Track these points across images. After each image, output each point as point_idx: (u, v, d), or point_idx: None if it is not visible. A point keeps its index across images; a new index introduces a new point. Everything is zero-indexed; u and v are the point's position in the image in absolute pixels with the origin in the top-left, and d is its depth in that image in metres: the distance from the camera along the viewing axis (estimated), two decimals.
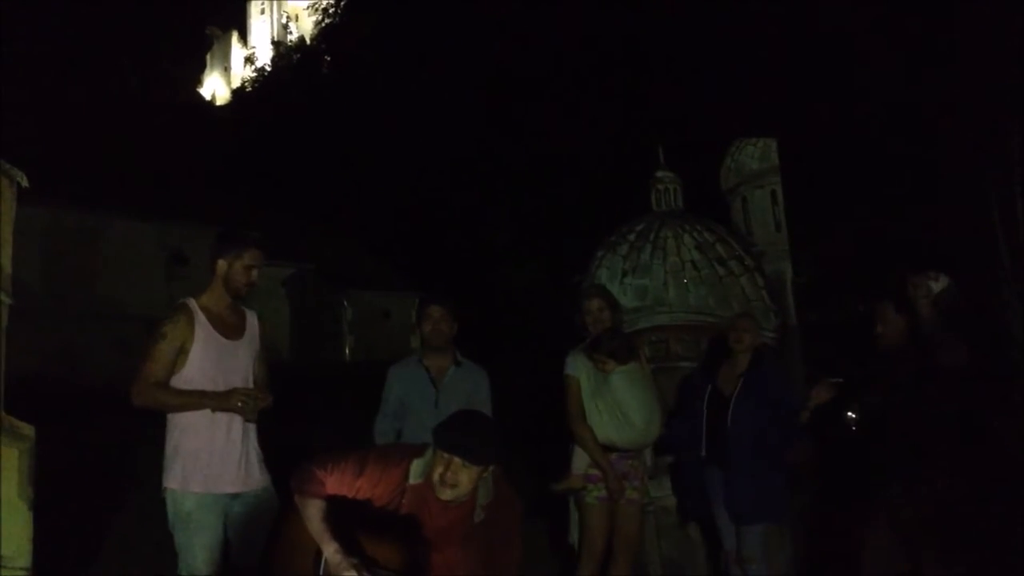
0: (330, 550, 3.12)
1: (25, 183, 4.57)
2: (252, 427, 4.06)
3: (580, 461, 5.01)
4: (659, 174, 8.19)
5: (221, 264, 4.09)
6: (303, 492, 3.24)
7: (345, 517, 3.25)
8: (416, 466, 3.28)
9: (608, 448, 4.95)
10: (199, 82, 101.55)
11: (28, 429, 4.32)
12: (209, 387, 3.94)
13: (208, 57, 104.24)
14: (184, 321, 3.99)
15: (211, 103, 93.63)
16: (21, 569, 4.13)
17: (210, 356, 4.00)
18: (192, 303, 4.08)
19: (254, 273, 4.10)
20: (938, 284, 4.48)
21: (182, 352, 3.95)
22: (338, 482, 3.25)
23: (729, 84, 26.36)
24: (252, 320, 4.25)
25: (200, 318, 4.02)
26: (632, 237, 7.68)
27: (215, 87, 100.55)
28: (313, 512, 3.19)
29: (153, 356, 3.93)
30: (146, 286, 25.13)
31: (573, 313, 5.38)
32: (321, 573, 3.17)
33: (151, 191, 26.23)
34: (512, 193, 36.66)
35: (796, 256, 8.44)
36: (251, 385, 4.08)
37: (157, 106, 59.17)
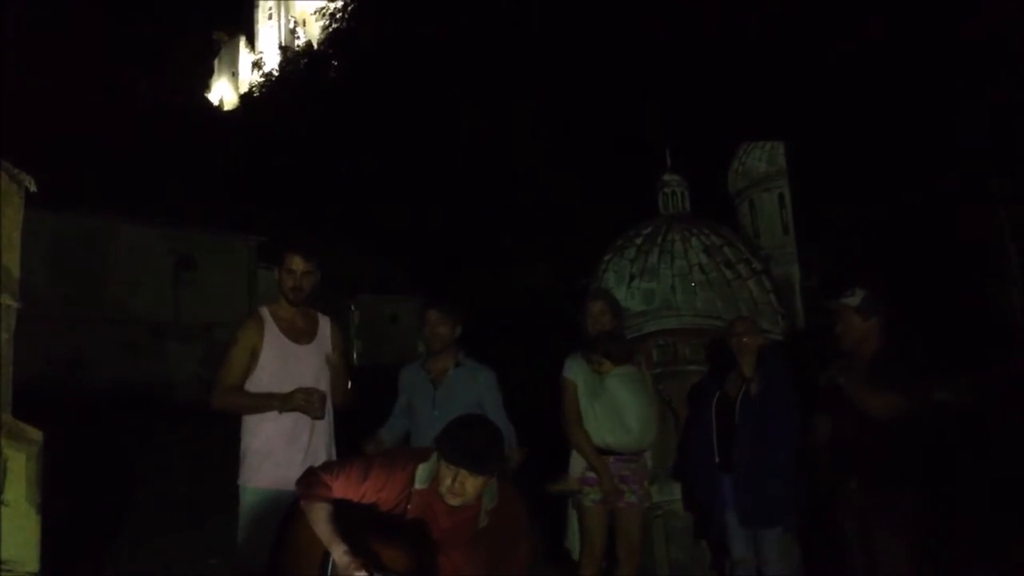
0: (338, 551, 3.11)
1: (33, 188, 4.58)
2: (322, 426, 4.23)
3: (577, 464, 5.01)
4: (666, 177, 8.18)
5: (276, 272, 4.33)
6: (309, 496, 3.24)
7: (351, 519, 3.25)
8: (421, 471, 3.28)
9: (604, 451, 4.95)
10: (207, 87, 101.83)
11: (36, 433, 4.32)
12: (278, 389, 4.10)
13: (216, 62, 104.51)
14: (254, 327, 4.22)
15: (219, 108, 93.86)
16: (29, 573, 4.13)
17: (278, 359, 4.18)
18: (264, 310, 4.31)
19: (298, 277, 4.23)
20: (855, 298, 4.52)
21: (253, 356, 4.16)
22: (343, 486, 3.25)
23: (736, 87, 26.36)
24: (324, 325, 4.41)
25: (269, 323, 4.23)
26: (639, 240, 7.68)
27: (223, 92, 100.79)
28: (320, 515, 3.19)
29: (226, 361, 4.18)
30: (153, 290, 25.23)
31: (576, 315, 5.39)
32: (328, 575, 3.16)
33: (159, 195, 26.32)
34: (519, 196, 36.68)
35: (804, 259, 8.43)
36: (323, 387, 4.21)
37: (165, 111, 59.31)
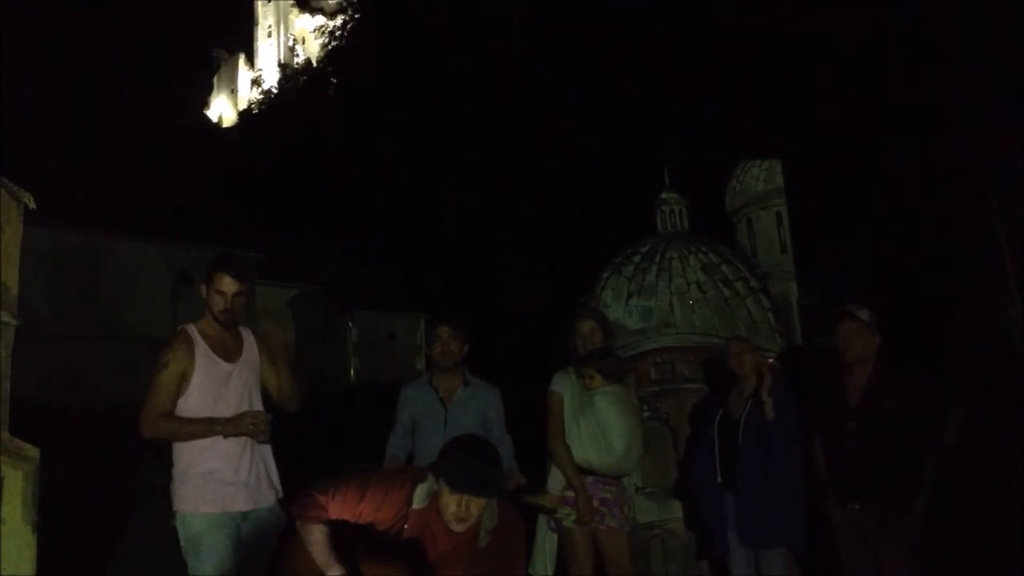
0: (335, 575, 3.10)
1: (32, 205, 4.57)
2: (261, 445, 4.08)
3: (556, 482, 4.91)
4: (665, 196, 8.20)
5: (202, 289, 4.12)
6: (305, 518, 3.22)
7: (348, 539, 3.23)
8: (420, 491, 3.26)
9: (585, 471, 4.84)
10: (206, 104, 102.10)
11: (32, 451, 4.30)
12: (210, 411, 3.95)
13: (215, 79, 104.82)
14: (184, 348, 4.01)
15: (218, 125, 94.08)
16: None
17: (210, 380, 4.01)
18: (191, 328, 4.10)
19: (229, 299, 4.07)
20: (865, 313, 4.59)
21: (183, 379, 3.97)
22: (340, 507, 3.23)
23: (734, 106, 26.44)
24: (248, 339, 4.22)
25: (199, 343, 4.04)
26: (638, 259, 7.68)
27: (222, 109, 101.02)
28: (316, 537, 3.17)
29: (156, 386, 3.94)
30: (151, 307, 25.17)
31: (566, 335, 5.35)
32: None
33: (157, 212, 26.34)
34: (518, 214, 36.72)
35: (801, 277, 8.43)
36: (253, 405, 4.09)
37: (164, 128, 59.44)
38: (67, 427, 12.19)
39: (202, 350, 4.02)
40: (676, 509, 6.51)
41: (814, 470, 4.79)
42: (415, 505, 3.25)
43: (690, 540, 6.43)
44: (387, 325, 35.36)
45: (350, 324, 33.91)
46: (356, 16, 77.63)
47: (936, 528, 4.41)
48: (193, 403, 3.97)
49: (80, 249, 23.58)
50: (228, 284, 4.05)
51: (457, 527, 3.18)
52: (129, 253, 25.08)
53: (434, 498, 3.22)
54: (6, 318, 4.39)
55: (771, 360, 5.03)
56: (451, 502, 3.15)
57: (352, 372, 33.11)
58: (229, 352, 4.10)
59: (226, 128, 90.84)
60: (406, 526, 3.26)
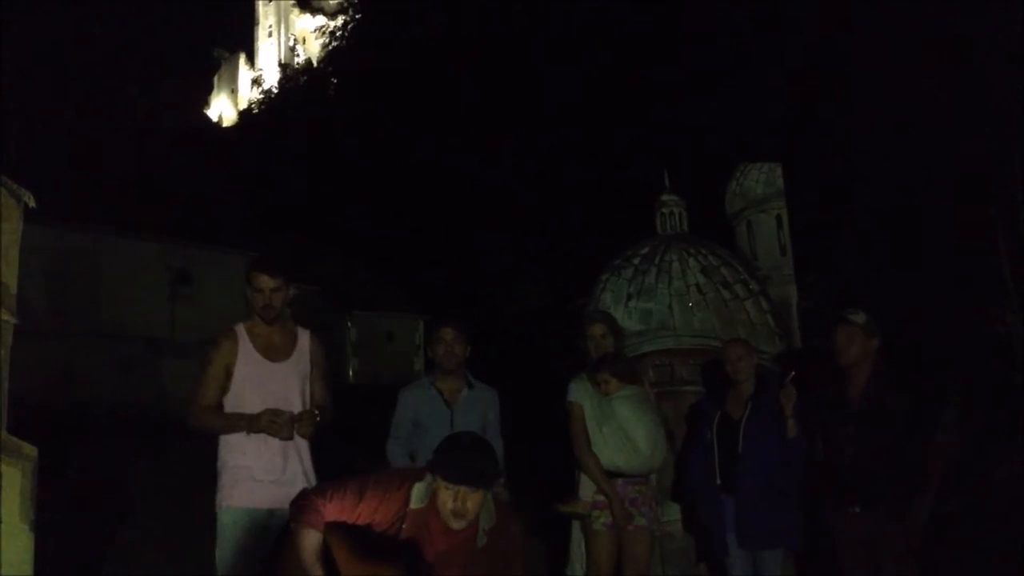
0: None
1: (32, 203, 4.56)
2: (300, 445, 4.22)
3: (587, 488, 4.98)
4: (664, 198, 8.18)
5: (246, 290, 4.32)
6: (299, 522, 3.22)
7: (346, 540, 3.23)
8: (417, 491, 3.26)
9: (614, 474, 4.92)
10: (206, 104, 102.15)
11: (31, 449, 4.29)
12: (252, 408, 4.09)
13: (215, 79, 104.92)
14: (228, 345, 4.20)
15: (218, 124, 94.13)
16: None
17: (252, 377, 4.17)
18: (240, 327, 4.29)
19: (267, 295, 4.26)
20: (860, 317, 4.59)
21: (228, 375, 4.16)
22: (337, 509, 3.23)
23: (734, 108, 26.45)
24: (303, 340, 4.41)
25: (244, 341, 4.22)
26: (637, 261, 7.66)
27: (222, 109, 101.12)
28: (306, 543, 3.17)
29: (201, 380, 4.17)
30: (149, 306, 25.19)
31: (577, 338, 5.38)
32: None
33: (156, 211, 26.31)
34: (517, 216, 36.73)
35: (801, 280, 8.43)
36: (300, 405, 4.22)
37: (164, 127, 59.44)
38: (65, 425, 12.18)
39: (245, 347, 4.20)
40: (674, 511, 6.50)
41: (814, 472, 4.80)
42: (413, 505, 3.25)
43: (688, 542, 6.43)
44: (385, 325, 35.41)
45: (348, 324, 33.94)
46: (357, 16, 77.66)
47: (936, 531, 4.41)
48: (235, 398, 4.15)
49: (79, 248, 23.56)
50: (265, 281, 4.26)
51: (455, 523, 3.18)
52: (128, 252, 25.07)
53: (432, 498, 3.22)
54: (5, 316, 4.38)
55: (789, 376, 5.00)
56: (448, 497, 3.16)
57: (351, 372, 33.13)
58: (276, 351, 4.28)
59: (226, 128, 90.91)
60: (404, 527, 3.26)
